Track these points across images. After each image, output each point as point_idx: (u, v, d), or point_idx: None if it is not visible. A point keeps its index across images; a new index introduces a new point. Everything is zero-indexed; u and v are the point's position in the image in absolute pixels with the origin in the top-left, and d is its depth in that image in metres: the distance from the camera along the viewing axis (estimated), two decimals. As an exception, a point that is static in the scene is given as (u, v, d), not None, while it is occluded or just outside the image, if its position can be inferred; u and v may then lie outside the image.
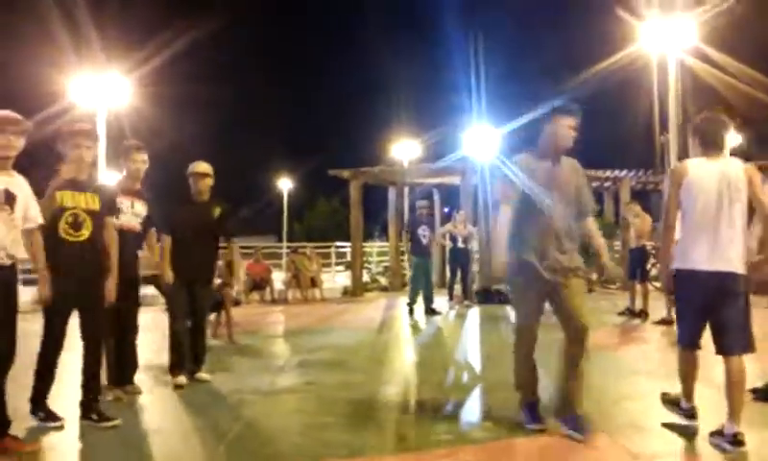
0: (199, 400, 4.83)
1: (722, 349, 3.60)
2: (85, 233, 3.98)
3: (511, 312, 10.37)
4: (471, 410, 4.75)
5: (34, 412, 4.01)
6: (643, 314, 9.18)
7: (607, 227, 15.27)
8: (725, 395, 3.57)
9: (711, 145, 3.73)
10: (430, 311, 9.91)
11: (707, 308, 3.64)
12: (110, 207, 4.30)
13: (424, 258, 10.22)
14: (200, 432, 4.03)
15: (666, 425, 3.93)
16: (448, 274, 12.37)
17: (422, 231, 10.14)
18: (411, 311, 9.94)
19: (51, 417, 4.00)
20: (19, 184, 3.62)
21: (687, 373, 3.89)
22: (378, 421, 4.23)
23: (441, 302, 11.72)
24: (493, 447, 3.68)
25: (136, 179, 5.00)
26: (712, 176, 3.63)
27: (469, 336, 8.50)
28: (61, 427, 3.96)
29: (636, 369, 5.77)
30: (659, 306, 8.75)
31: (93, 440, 3.84)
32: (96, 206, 4.07)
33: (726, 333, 3.58)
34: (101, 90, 14.54)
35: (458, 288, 11.64)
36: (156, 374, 5.54)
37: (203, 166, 5.38)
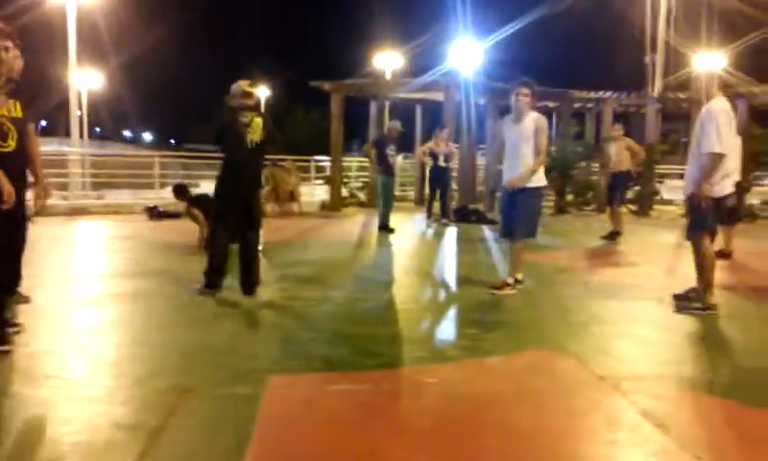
0: (173, 313, 4.86)
1: (511, 234, 5.60)
2: (12, 144, 3.71)
3: (487, 231, 10.53)
4: (446, 328, 4.87)
5: None
6: (615, 235, 9.34)
7: (586, 149, 15.26)
8: (509, 261, 5.65)
9: (515, 112, 5.62)
10: (385, 228, 9.94)
11: (511, 209, 5.57)
12: (34, 114, 3.99)
13: (390, 178, 10.22)
14: (176, 346, 4.06)
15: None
16: (427, 191, 12.32)
17: (390, 151, 10.08)
18: (390, 230, 9.90)
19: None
20: None
21: (519, 254, 5.60)
22: (355, 336, 4.30)
23: (419, 219, 11.78)
24: (467, 364, 3.79)
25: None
26: (514, 128, 5.58)
27: (447, 254, 8.60)
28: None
29: (607, 292, 5.88)
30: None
31: None
32: (19, 113, 3.78)
33: (517, 224, 5.51)
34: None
35: (436, 206, 11.66)
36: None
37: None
